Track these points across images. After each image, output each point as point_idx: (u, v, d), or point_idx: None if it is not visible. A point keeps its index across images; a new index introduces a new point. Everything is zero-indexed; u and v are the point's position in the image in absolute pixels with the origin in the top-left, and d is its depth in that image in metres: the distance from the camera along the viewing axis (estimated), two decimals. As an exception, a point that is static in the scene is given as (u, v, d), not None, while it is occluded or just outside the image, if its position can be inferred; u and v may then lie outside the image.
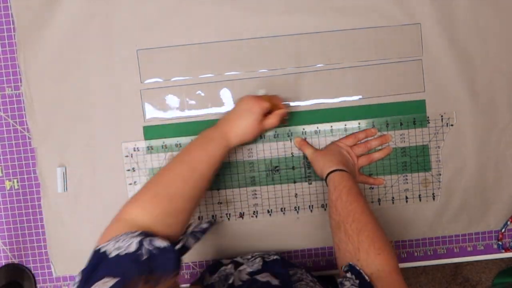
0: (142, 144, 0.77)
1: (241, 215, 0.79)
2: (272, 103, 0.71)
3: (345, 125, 0.78)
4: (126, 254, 0.49)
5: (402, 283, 0.55)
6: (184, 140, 0.77)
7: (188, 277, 0.80)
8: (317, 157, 0.74)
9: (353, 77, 0.78)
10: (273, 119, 0.70)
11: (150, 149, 0.77)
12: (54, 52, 0.76)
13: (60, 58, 0.76)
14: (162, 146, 0.77)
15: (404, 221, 0.80)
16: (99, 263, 0.49)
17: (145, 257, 0.49)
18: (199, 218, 0.79)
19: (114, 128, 0.77)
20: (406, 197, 0.79)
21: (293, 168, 0.78)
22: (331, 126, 0.78)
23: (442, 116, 0.78)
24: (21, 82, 0.76)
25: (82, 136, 0.77)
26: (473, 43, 0.78)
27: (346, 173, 0.69)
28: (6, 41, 0.76)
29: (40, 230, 0.78)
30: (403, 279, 0.55)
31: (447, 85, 0.78)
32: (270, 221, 0.79)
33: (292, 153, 0.78)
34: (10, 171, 0.77)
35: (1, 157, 0.77)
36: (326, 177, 0.70)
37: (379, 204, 0.79)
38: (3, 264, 0.78)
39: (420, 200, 0.79)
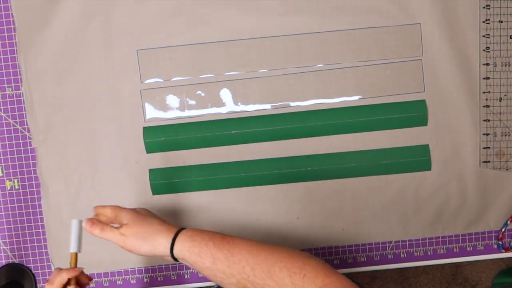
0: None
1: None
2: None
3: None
4: None
5: (343, 279, 0.48)
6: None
7: (189, 277, 0.80)
8: (131, 239, 0.57)
9: (353, 77, 0.78)
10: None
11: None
12: (55, 52, 0.76)
13: (60, 58, 0.76)
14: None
15: (404, 221, 0.80)
16: None
17: None
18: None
19: (114, 128, 0.77)
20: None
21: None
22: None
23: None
24: (21, 82, 0.76)
25: (82, 136, 0.77)
26: (473, 43, 0.78)
27: (186, 230, 0.56)
28: (7, 41, 0.76)
29: (40, 230, 0.78)
30: (341, 275, 0.49)
31: (447, 85, 0.78)
32: (270, 221, 0.79)
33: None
34: (11, 171, 0.77)
35: (1, 157, 0.77)
36: (171, 250, 0.55)
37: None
38: (3, 264, 0.78)
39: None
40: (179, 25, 0.76)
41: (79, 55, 0.76)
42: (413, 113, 0.78)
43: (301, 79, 0.77)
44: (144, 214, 0.61)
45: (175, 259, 0.56)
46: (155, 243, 0.56)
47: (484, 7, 0.78)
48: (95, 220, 0.58)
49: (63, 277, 0.57)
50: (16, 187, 0.78)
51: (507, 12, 0.79)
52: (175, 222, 0.77)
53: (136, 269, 0.79)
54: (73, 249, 0.60)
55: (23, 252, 0.78)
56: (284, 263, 0.50)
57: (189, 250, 0.54)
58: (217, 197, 0.78)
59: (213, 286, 0.77)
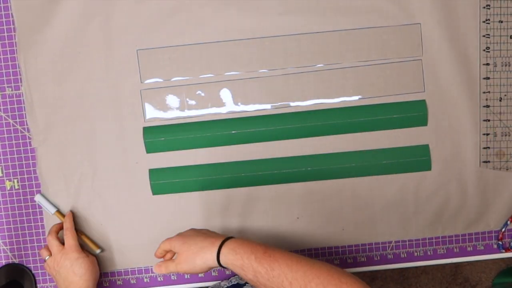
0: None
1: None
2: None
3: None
4: None
5: None
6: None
7: (188, 277, 0.80)
8: (184, 265, 0.61)
9: (353, 77, 0.78)
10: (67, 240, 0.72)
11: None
12: (54, 52, 0.76)
13: (60, 58, 0.76)
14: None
15: (404, 221, 0.80)
16: None
17: None
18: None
19: (114, 128, 0.77)
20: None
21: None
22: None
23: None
24: (21, 82, 0.76)
25: (82, 136, 0.77)
26: (473, 43, 0.78)
27: (229, 242, 0.58)
28: (6, 41, 0.76)
29: (40, 230, 0.78)
30: None
31: (447, 85, 0.78)
32: (270, 221, 0.79)
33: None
34: (10, 171, 0.77)
35: (1, 157, 0.77)
36: (218, 260, 0.58)
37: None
38: (3, 264, 0.78)
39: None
40: (179, 25, 0.76)
41: (79, 55, 0.76)
42: (413, 113, 0.78)
43: (301, 79, 0.77)
44: (189, 235, 0.64)
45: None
46: (203, 259, 0.59)
47: (484, 7, 0.78)
48: (160, 263, 0.65)
49: (69, 221, 0.74)
50: (16, 187, 0.78)
51: (507, 12, 0.79)
52: (175, 222, 0.78)
53: (136, 269, 0.79)
54: (53, 210, 0.76)
55: (23, 252, 0.78)
56: (321, 279, 0.51)
57: (232, 263, 0.57)
58: (217, 197, 0.78)
59: (212, 287, 0.77)
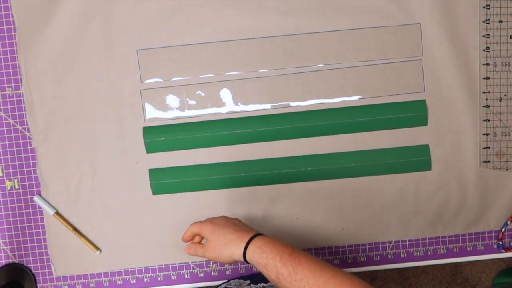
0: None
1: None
2: None
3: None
4: None
5: None
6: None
7: (188, 276, 0.80)
8: (211, 253, 0.61)
9: (353, 77, 0.78)
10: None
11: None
12: (55, 52, 0.76)
13: (60, 58, 0.76)
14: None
15: (404, 221, 0.80)
16: None
17: None
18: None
19: (114, 128, 0.77)
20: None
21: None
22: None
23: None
24: (21, 82, 0.76)
25: (82, 136, 0.77)
26: (473, 43, 0.78)
27: (256, 240, 0.58)
28: (7, 41, 0.76)
29: (40, 230, 0.78)
30: None
31: (447, 85, 0.78)
32: (270, 221, 0.79)
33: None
34: (11, 171, 0.77)
35: (2, 157, 0.77)
36: (244, 256, 0.58)
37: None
38: (3, 264, 0.78)
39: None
40: (179, 25, 0.76)
41: (79, 55, 0.76)
42: (413, 113, 0.78)
43: (301, 79, 0.77)
44: (220, 224, 0.63)
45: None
46: (230, 253, 0.59)
47: (484, 7, 0.78)
48: (190, 245, 0.66)
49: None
50: (16, 187, 0.78)
51: (507, 12, 0.79)
52: (175, 222, 0.78)
53: (136, 269, 0.79)
54: (51, 212, 0.76)
55: (23, 252, 0.78)
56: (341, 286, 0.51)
57: (257, 262, 0.57)
58: (217, 197, 0.78)
59: (212, 286, 0.77)
